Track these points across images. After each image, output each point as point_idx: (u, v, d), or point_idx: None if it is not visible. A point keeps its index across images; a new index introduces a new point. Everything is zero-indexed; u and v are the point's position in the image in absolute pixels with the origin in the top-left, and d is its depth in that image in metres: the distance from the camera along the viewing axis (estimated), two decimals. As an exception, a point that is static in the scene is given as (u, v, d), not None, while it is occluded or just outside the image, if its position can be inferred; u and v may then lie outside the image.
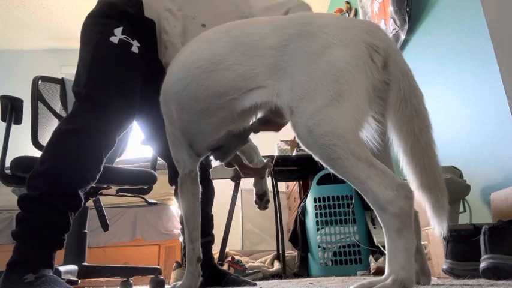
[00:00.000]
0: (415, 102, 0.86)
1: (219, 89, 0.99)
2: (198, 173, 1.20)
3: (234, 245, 3.60)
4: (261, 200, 1.41)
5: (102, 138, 1.15)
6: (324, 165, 0.82)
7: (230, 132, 1.09)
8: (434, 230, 0.85)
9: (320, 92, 0.83)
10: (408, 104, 0.86)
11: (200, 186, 1.20)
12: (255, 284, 1.44)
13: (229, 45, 1.00)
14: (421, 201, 0.86)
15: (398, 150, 0.89)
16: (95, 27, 1.28)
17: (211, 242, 1.55)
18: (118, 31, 1.24)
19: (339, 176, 0.81)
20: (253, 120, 1.07)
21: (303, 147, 0.86)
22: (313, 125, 0.81)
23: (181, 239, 2.98)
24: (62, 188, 1.08)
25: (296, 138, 0.87)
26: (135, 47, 1.27)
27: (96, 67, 1.22)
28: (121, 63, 1.24)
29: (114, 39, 1.23)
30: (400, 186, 0.74)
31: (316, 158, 0.83)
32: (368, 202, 0.77)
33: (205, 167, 1.59)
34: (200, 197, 1.22)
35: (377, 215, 0.76)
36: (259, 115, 1.05)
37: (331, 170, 0.82)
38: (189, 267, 1.14)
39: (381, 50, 0.87)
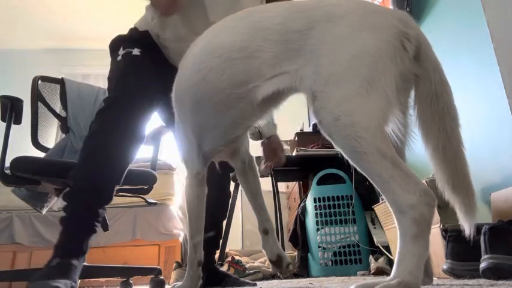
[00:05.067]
0: (447, 99, 0.83)
1: (242, 78, 0.95)
2: (206, 175, 1.18)
3: (234, 245, 3.60)
4: (280, 267, 1.23)
5: (121, 131, 1.23)
6: (346, 157, 0.79)
7: (247, 128, 1.07)
8: (464, 231, 0.83)
9: (348, 76, 0.78)
10: (440, 100, 0.82)
11: (206, 189, 1.17)
12: (255, 284, 1.44)
13: (251, 31, 0.95)
14: (451, 201, 0.84)
15: (427, 148, 0.85)
16: (111, 64, 1.48)
17: (216, 247, 1.56)
18: (120, 51, 1.42)
19: (359, 170, 0.77)
20: (272, 111, 1.04)
21: (324, 135, 0.82)
22: (341, 113, 0.76)
23: (181, 239, 2.98)
24: (87, 193, 1.20)
25: (318, 125, 0.83)
26: (136, 51, 1.40)
27: (112, 79, 1.39)
28: (127, 65, 1.38)
29: (119, 57, 1.41)
30: (423, 192, 0.71)
31: (338, 149, 0.79)
32: (387, 201, 0.74)
33: (224, 172, 1.50)
34: (206, 201, 1.21)
35: (394, 217, 0.73)
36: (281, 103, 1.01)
37: (352, 163, 0.78)
38: (189, 270, 1.13)
39: (413, 38, 0.82)
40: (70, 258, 1.09)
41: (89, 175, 1.21)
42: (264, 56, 0.92)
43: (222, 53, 0.97)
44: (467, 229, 0.82)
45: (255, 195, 1.26)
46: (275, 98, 0.96)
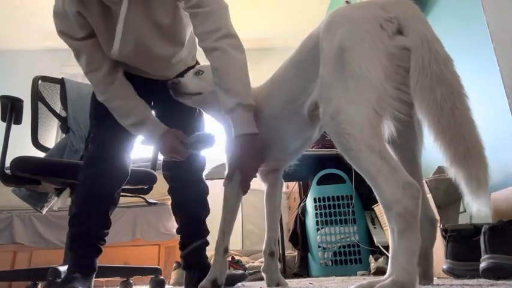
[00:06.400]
0: (436, 68, 0.78)
1: (292, 95, 1.08)
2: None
3: (234, 245, 3.60)
4: None
5: (110, 169, 1.39)
6: (342, 155, 0.81)
7: (306, 141, 1.18)
8: (472, 211, 0.74)
9: (333, 76, 0.83)
10: (428, 72, 0.78)
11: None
12: (244, 275, 1.47)
13: (291, 57, 1.11)
14: (456, 179, 0.75)
15: (424, 127, 0.80)
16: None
17: (205, 244, 1.56)
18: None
19: (354, 167, 0.79)
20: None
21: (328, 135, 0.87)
22: (333, 113, 0.81)
23: (181, 239, 2.98)
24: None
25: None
26: None
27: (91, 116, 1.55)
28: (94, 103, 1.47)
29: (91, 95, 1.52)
30: (406, 184, 0.71)
31: (337, 147, 0.83)
32: (377, 199, 0.75)
33: (196, 168, 1.57)
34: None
35: (383, 213, 0.74)
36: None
37: (348, 161, 0.80)
38: (216, 256, 1.17)
39: (394, 18, 0.82)
40: (73, 273, 1.26)
41: (84, 201, 1.39)
42: (304, 75, 1.03)
43: (275, 79, 1.17)
44: (474, 209, 0.73)
45: (274, 210, 1.33)
46: (315, 107, 1.00)
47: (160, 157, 1.82)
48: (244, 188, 1.17)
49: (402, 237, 0.69)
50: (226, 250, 1.18)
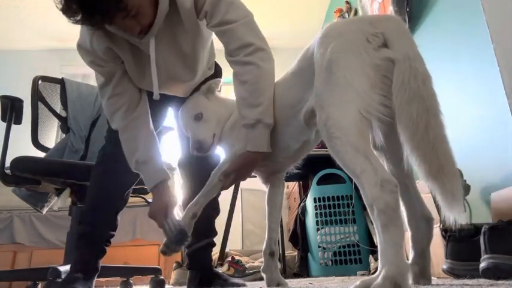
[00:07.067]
0: (414, 85, 0.81)
1: (291, 101, 1.13)
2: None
3: (234, 245, 3.60)
4: None
5: (118, 165, 1.37)
6: (333, 158, 0.86)
7: (305, 144, 1.21)
8: (448, 222, 0.79)
9: (324, 86, 0.89)
10: (407, 88, 0.81)
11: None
12: (244, 285, 1.46)
13: (292, 67, 1.15)
14: (432, 192, 0.79)
15: (401, 139, 0.83)
16: None
17: (211, 245, 1.56)
18: None
19: (343, 168, 0.83)
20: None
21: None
22: (325, 119, 0.86)
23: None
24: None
25: None
26: None
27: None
28: None
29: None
30: (384, 181, 0.74)
31: (329, 150, 0.87)
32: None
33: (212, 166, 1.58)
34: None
35: (369, 212, 0.78)
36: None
37: (338, 163, 0.84)
38: (185, 218, 1.24)
39: (380, 33, 0.88)
40: (75, 273, 1.26)
41: (95, 199, 1.39)
42: (302, 83, 1.07)
43: (278, 85, 1.21)
44: (451, 221, 0.77)
45: (275, 210, 1.35)
46: (312, 113, 1.04)
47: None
48: (225, 188, 1.26)
49: (386, 232, 0.72)
50: (194, 216, 1.24)
